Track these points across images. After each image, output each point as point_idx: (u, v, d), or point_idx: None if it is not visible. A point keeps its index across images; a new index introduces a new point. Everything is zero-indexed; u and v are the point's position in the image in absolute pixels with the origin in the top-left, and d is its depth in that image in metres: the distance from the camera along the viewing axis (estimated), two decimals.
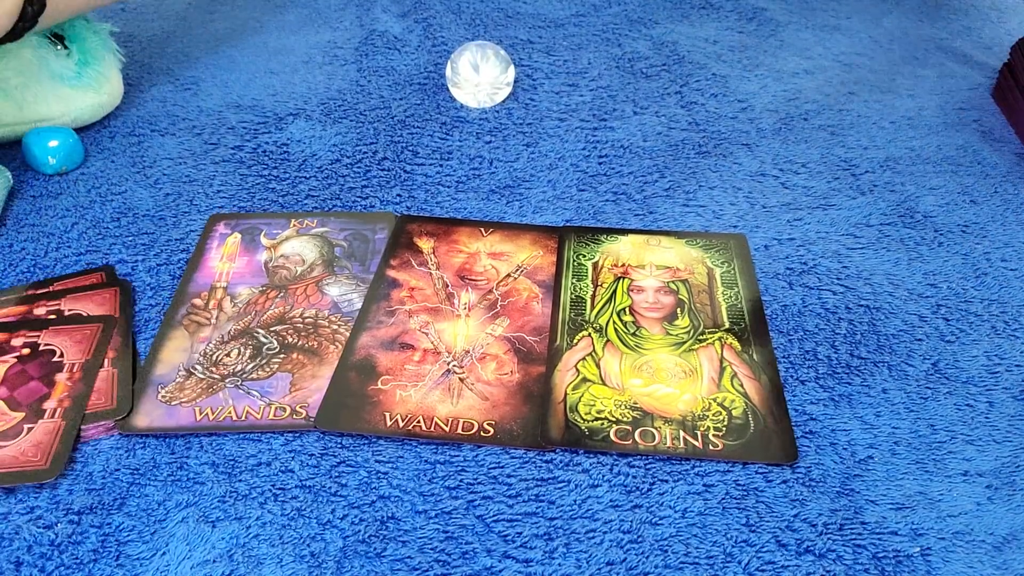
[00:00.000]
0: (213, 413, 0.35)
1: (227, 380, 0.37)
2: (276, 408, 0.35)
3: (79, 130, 0.54)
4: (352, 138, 0.54)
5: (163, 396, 0.36)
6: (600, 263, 0.43)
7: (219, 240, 0.45)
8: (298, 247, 0.44)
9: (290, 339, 0.39)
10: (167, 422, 0.35)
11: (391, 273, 0.42)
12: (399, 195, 0.48)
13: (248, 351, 0.38)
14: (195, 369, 0.37)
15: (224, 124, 0.55)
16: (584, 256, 0.43)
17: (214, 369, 0.37)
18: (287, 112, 0.56)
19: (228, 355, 0.38)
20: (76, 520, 0.31)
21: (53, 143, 0.49)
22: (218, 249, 0.44)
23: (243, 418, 0.35)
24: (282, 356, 0.38)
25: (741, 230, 0.45)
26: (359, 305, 0.40)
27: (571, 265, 0.43)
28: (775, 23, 0.69)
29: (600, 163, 0.51)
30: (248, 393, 0.36)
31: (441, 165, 0.51)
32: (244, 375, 0.37)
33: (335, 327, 0.39)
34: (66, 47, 0.52)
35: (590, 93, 0.59)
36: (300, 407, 0.35)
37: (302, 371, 0.37)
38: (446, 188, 0.49)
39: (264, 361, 0.38)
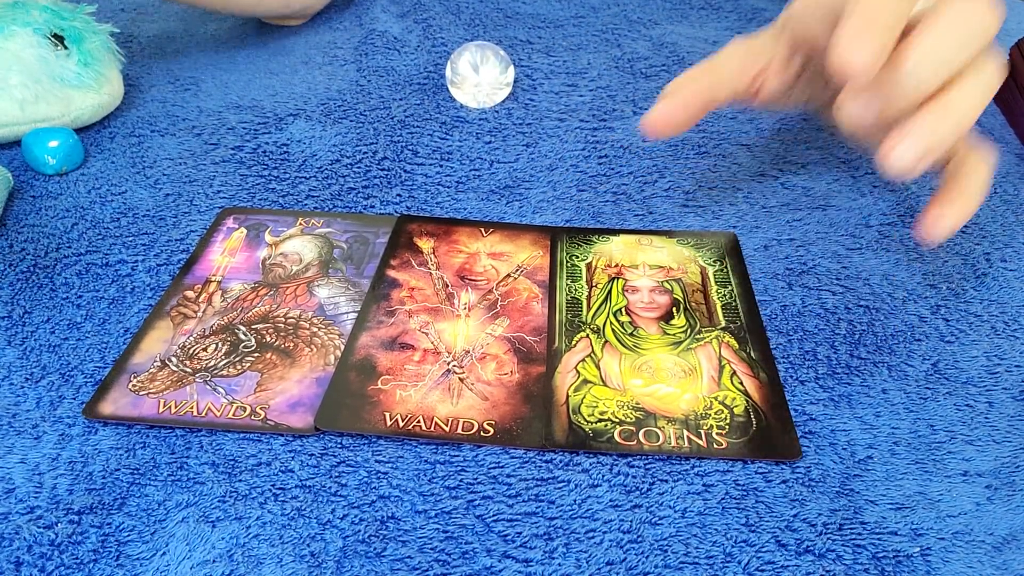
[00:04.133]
0: (176, 407, 0.35)
1: (197, 375, 0.36)
2: (236, 407, 0.35)
3: (79, 130, 0.54)
4: (352, 138, 0.54)
5: (133, 386, 0.36)
6: (593, 264, 0.43)
7: (225, 234, 0.45)
8: (299, 246, 0.44)
9: (268, 338, 0.38)
10: (131, 412, 0.34)
11: (391, 273, 0.42)
12: (399, 195, 0.48)
13: (225, 347, 0.38)
14: (170, 361, 0.37)
15: (224, 124, 0.55)
16: (577, 257, 0.43)
17: (188, 362, 0.37)
18: (287, 112, 0.56)
19: (205, 349, 0.37)
20: (76, 520, 0.31)
21: (53, 143, 0.49)
22: (222, 243, 0.44)
23: (203, 415, 0.34)
24: (256, 355, 0.37)
25: (740, 230, 0.45)
26: (344, 309, 0.40)
27: (564, 266, 0.43)
28: None
29: (600, 163, 0.51)
30: (214, 390, 0.36)
31: (441, 165, 0.51)
32: (215, 371, 0.36)
33: (315, 329, 0.39)
34: (66, 47, 0.52)
35: (590, 93, 0.59)
36: (260, 408, 0.35)
37: (271, 372, 0.36)
38: (446, 188, 0.49)
39: (238, 358, 0.37)
